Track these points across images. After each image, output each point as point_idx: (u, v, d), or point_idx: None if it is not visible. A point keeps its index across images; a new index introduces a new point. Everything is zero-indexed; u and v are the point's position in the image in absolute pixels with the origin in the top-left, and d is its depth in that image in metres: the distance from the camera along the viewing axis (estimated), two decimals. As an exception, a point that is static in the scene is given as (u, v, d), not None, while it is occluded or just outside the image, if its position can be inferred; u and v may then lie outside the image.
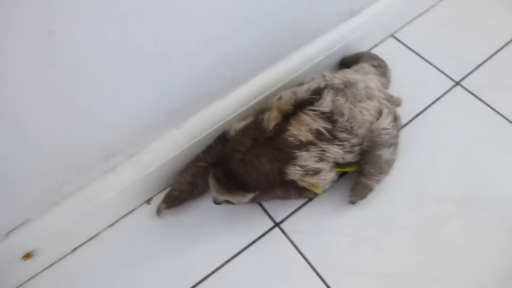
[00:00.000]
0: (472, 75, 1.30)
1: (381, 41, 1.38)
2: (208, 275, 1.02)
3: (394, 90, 1.22)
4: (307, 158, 0.93)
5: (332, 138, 0.94)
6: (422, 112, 1.22)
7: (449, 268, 1.00)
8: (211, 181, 0.96)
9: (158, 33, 0.84)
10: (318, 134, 0.93)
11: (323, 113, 0.93)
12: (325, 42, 1.21)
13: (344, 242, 1.04)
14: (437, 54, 1.34)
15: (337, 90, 0.97)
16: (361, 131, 0.95)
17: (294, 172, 0.93)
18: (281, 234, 1.06)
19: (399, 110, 1.06)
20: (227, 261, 1.03)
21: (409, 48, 1.36)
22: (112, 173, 1.02)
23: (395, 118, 1.02)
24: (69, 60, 0.76)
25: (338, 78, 1.01)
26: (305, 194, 1.04)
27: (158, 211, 1.07)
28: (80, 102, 0.84)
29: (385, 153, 0.99)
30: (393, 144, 1.01)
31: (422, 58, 1.33)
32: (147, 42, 0.84)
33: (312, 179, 0.96)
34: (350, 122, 0.94)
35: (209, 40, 0.94)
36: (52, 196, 0.97)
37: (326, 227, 1.06)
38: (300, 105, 0.94)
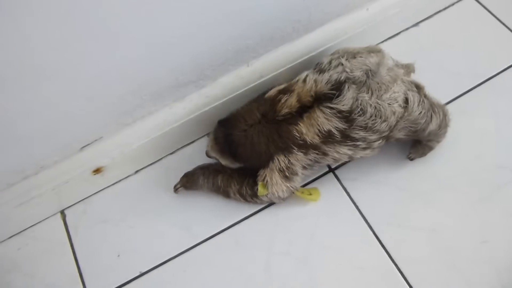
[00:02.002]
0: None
1: (459, 0, 1.32)
2: (263, 209, 1.07)
3: (466, 52, 1.20)
4: (300, 160, 0.93)
5: (343, 139, 0.91)
6: (493, 77, 1.19)
7: (497, 232, 1.01)
8: (210, 136, 1.00)
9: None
10: (326, 137, 0.90)
11: (340, 111, 0.88)
12: (401, -6, 1.18)
13: (395, 194, 1.06)
14: (516, 18, 1.28)
15: (360, 85, 0.90)
16: (384, 126, 0.91)
17: (278, 161, 0.94)
18: (335, 179, 1.09)
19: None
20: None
21: (487, 9, 1.30)
22: (181, 102, 1.06)
23: (419, 91, 0.96)
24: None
25: (358, 67, 0.91)
26: (245, 193, 1.02)
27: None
28: (161, 31, 0.88)
29: (433, 125, 0.98)
30: (432, 112, 0.97)
31: (499, 20, 1.28)
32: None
33: (278, 180, 0.95)
34: (373, 119, 0.89)
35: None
36: (125, 118, 1.03)
37: (379, 178, 1.08)
38: (319, 99, 0.90)
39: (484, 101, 1.16)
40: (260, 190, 0.98)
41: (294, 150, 0.92)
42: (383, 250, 1.00)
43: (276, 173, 0.95)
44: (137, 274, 1.02)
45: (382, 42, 1.27)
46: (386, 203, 1.06)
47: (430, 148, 1.06)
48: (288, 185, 0.97)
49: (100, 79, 0.90)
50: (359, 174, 1.09)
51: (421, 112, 0.94)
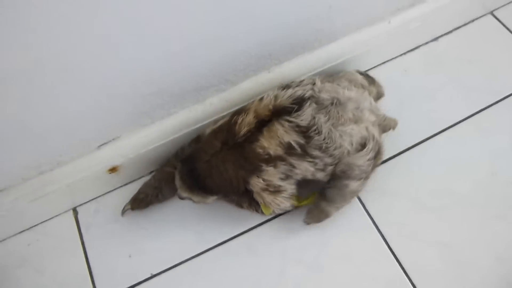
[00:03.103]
0: None
1: (479, 17, 1.33)
2: (275, 216, 1.07)
3: (484, 69, 1.21)
4: (272, 174, 0.90)
5: (304, 154, 0.89)
6: (510, 94, 1.19)
7: (511, 249, 1.00)
8: (176, 177, 0.97)
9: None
10: (288, 148, 0.88)
11: (298, 126, 0.87)
12: (422, 10, 1.18)
13: (410, 207, 1.06)
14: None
15: (321, 106, 0.90)
16: (337, 152, 0.90)
17: (256, 184, 0.91)
18: (349, 189, 1.09)
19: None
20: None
21: (506, 27, 1.31)
22: (200, 105, 1.07)
23: (378, 154, 0.95)
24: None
25: (328, 91, 0.91)
26: (255, 207, 1.01)
27: (123, 211, 1.08)
28: (188, 35, 0.89)
29: (353, 185, 0.95)
30: (363, 178, 0.96)
31: (518, 40, 1.29)
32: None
33: (269, 197, 0.93)
34: (327, 142, 0.89)
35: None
36: (144, 118, 1.03)
37: (393, 189, 1.08)
38: (277, 112, 0.89)
39: (501, 118, 1.16)
40: (264, 211, 0.98)
41: (263, 167, 0.90)
42: (396, 262, 1.00)
43: (263, 194, 0.93)
44: (148, 275, 1.02)
45: (401, 55, 1.27)
46: (400, 215, 1.05)
47: (327, 215, 1.01)
48: (282, 195, 0.94)
49: (125, 78, 0.90)
50: (374, 184, 1.08)
51: (362, 167, 0.92)
